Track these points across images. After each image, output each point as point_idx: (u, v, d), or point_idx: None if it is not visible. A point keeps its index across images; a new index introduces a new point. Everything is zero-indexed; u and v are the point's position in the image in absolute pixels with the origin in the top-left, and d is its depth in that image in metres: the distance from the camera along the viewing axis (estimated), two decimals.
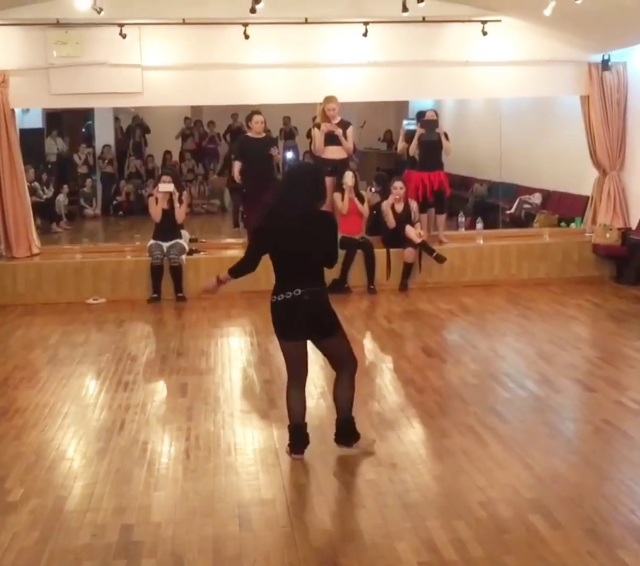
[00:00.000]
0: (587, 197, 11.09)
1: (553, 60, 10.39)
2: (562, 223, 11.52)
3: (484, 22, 10.08)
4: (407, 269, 9.96)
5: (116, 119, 17.05)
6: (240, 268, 5.06)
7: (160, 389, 6.69)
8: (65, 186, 15.37)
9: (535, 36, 10.32)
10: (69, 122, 16.94)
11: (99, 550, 4.03)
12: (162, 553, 3.99)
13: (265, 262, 4.97)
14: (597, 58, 10.35)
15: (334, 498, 4.55)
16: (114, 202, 16.21)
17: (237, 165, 10.19)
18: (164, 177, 10.06)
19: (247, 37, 9.73)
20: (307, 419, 5.17)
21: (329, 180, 10.17)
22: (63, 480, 4.85)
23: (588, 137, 10.64)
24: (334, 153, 10.14)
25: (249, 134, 10.31)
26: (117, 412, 5.99)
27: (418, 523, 4.22)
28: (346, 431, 5.12)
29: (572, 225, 11.27)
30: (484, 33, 10.09)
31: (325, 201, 4.83)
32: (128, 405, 6.13)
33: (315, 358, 7.29)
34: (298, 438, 5.07)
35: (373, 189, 12.26)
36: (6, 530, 4.23)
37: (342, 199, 9.98)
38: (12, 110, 10.04)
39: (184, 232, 10.09)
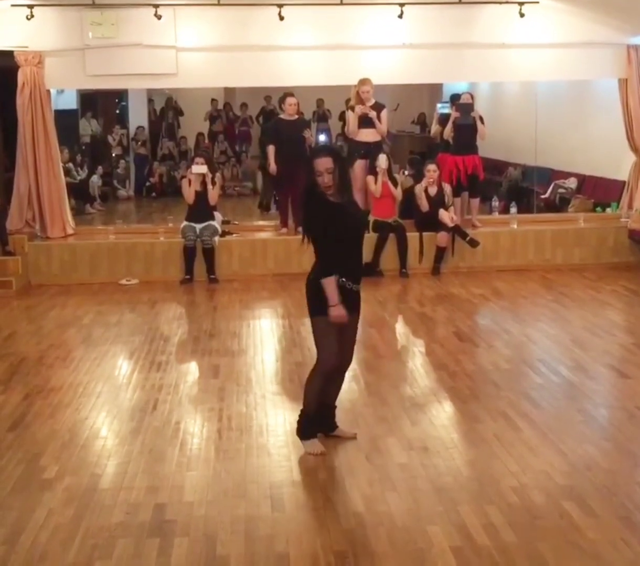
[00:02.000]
0: (624, 182, 10.94)
1: (591, 43, 10.22)
2: (598, 209, 11.38)
3: (521, 3, 9.92)
4: (440, 253, 9.90)
5: (150, 101, 17.07)
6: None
7: (192, 370, 6.73)
8: (99, 167, 15.42)
9: (573, 18, 10.16)
10: (103, 104, 17.00)
11: (133, 528, 4.08)
12: (195, 533, 4.02)
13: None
14: (636, 40, 10.17)
15: (365, 480, 4.55)
16: (147, 184, 16.24)
17: (271, 150, 10.15)
18: (197, 159, 10.06)
19: (281, 18, 9.67)
20: (338, 402, 5.18)
21: (362, 163, 10.16)
22: (97, 459, 4.90)
23: (625, 121, 10.49)
24: (367, 135, 10.09)
25: (282, 116, 10.28)
26: (150, 392, 6.03)
27: (450, 508, 4.21)
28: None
29: (608, 210, 11.13)
30: (521, 15, 9.93)
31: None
32: (161, 385, 6.17)
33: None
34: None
35: (406, 172, 12.20)
36: (42, 507, 4.29)
37: (375, 182, 9.93)
38: (48, 91, 10.08)
39: (217, 214, 10.10)
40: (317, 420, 4.99)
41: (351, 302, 4.81)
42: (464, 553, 3.80)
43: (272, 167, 10.17)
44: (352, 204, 4.87)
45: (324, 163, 4.63)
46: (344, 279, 4.76)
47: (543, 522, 4.07)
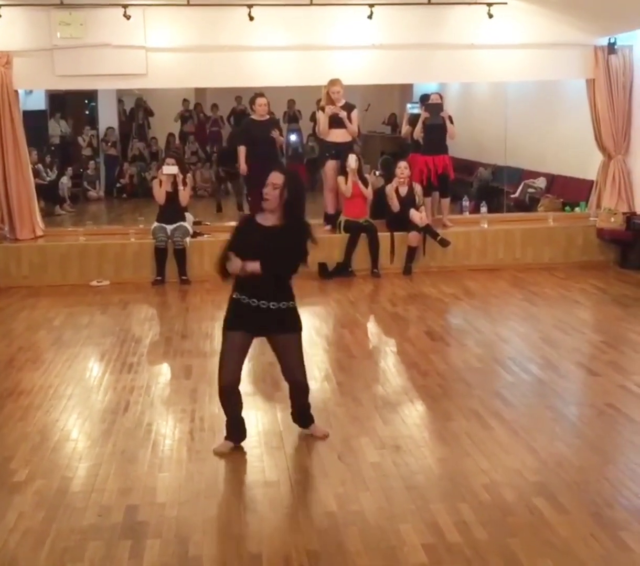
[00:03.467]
0: (592, 182, 11.05)
1: (559, 44, 10.31)
2: (567, 208, 11.48)
3: (489, 4, 9.98)
4: (411, 253, 9.94)
5: (120, 101, 16.97)
6: None
7: (164, 371, 6.71)
8: (69, 168, 15.33)
9: (541, 19, 10.24)
10: (73, 104, 16.87)
11: (105, 530, 4.05)
12: (167, 534, 4.01)
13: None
14: (603, 41, 10.26)
15: (337, 480, 4.56)
16: (118, 185, 16.17)
17: (242, 151, 10.15)
18: (168, 160, 10.02)
19: (251, 18, 9.67)
20: (311, 400, 5.20)
21: (333, 163, 10.19)
22: (68, 461, 4.87)
23: (593, 121, 10.59)
24: (338, 136, 10.12)
25: (253, 116, 10.28)
26: (122, 393, 6.00)
27: (422, 506, 4.23)
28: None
29: (577, 209, 11.23)
30: (490, 16, 10.00)
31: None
32: (132, 386, 6.14)
33: (319, 342, 7.35)
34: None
35: (377, 173, 12.23)
36: (12, 510, 4.25)
37: (346, 182, 9.95)
38: (16, 92, 9.99)
39: (188, 215, 10.07)
40: (229, 426, 5.04)
41: (250, 317, 4.79)
42: (436, 550, 3.82)
43: (243, 167, 10.16)
44: (287, 229, 4.76)
45: (274, 178, 4.71)
46: (237, 293, 4.81)
47: (514, 519, 4.10)
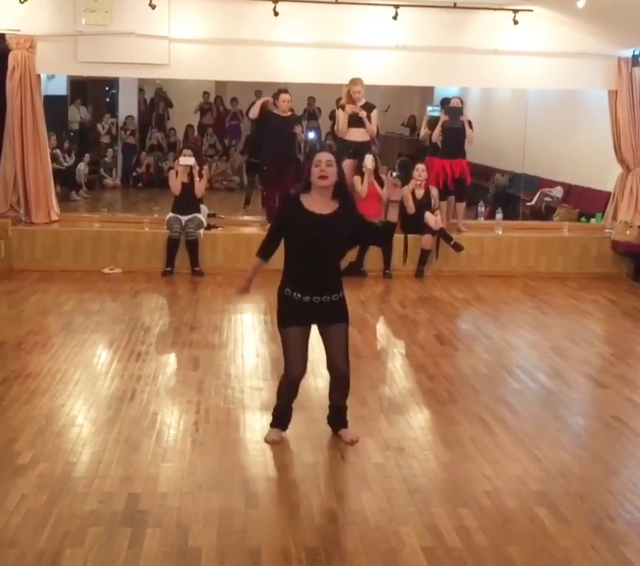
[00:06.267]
0: (609, 193, 11.02)
1: (583, 53, 10.28)
2: (582, 218, 11.45)
3: (515, 10, 9.97)
4: (424, 256, 9.93)
5: (140, 91, 16.98)
6: None
7: (172, 361, 6.71)
8: (87, 155, 15.35)
9: (566, 28, 10.20)
10: (94, 91, 16.90)
11: (105, 516, 4.06)
12: (168, 524, 4.01)
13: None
14: (628, 53, 10.23)
15: (340, 479, 4.57)
16: (134, 174, 16.19)
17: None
18: (185, 151, 10.03)
19: (276, 14, 9.66)
20: (320, 402, 5.21)
21: (350, 162, 10.17)
22: (72, 446, 4.87)
23: (613, 133, 10.55)
24: (356, 135, 10.11)
25: (275, 111, 10.27)
26: (129, 381, 6.01)
27: (423, 509, 4.23)
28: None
29: (593, 220, 11.20)
30: (515, 22, 9.98)
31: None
32: (139, 375, 6.15)
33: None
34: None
35: (394, 174, 12.19)
36: (15, 492, 4.26)
37: (362, 182, 9.94)
38: (38, 76, 10.02)
39: (203, 207, 10.08)
40: (279, 415, 5.07)
41: (302, 312, 4.77)
42: (435, 554, 3.81)
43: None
44: (343, 216, 4.70)
45: (325, 156, 4.68)
46: (288, 289, 4.77)
47: (515, 527, 4.09)
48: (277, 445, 4.96)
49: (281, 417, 5.09)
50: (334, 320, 4.84)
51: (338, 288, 4.82)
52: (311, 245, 4.68)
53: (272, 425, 5.09)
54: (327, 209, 4.70)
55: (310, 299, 4.73)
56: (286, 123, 10.04)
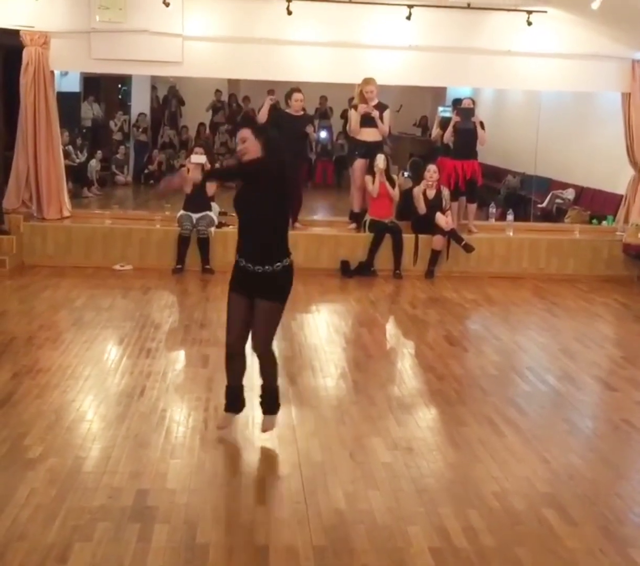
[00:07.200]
0: (621, 196, 11.00)
1: (596, 55, 10.26)
2: (594, 221, 11.43)
3: (529, 12, 9.95)
4: (435, 256, 9.92)
5: (153, 88, 17.01)
6: None
7: (181, 358, 6.72)
8: (99, 152, 15.36)
9: (581, 29, 10.19)
10: (106, 88, 16.91)
11: (114, 511, 4.07)
12: (176, 520, 4.02)
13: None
14: None
15: (348, 478, 4.56)
16: (146, 171, 16.20)
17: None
18: (197, 149, 10.04)
19: (290, 13, 9.67)
20: (328, 401, 5.20)
21: (361, 162, 10.18)
22: (82, 441, 4.89)
23: (626, 135, 10.54)
24: (368, 135, 10.11)
25: (288, 110, 10.28)
26: (138, 378, 6.03)
27: (431, 509, 4.23)
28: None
29: (604, 223, 11.18)
30: (529, 23, 9.96)
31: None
32: (149, 372, 6.16)
33: (337, 340, 7.36)
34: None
35: (405, 174, 12.21)
36: (24, 486, 4.28)
37: (373, 182, 9.94)
38: (52, 72, 10.06)
39: (214, 205, 10.10)
40: (227, 395, 5.10)
41: (241, 280, 4.83)
42: (443, 554, 3.81)
43: None
44: (266, 168, 4.74)
45: (240, 134, 4.79)
46: (237, 255, 4.85)
47: (522, 528, 4.09)
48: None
49: (231, 398, 5.07)
50: (264, 296, 4.80)
51: (274, 260, 4.78)
52: (239, 213, 4.86)
53: (226, 409, 5.08)
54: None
55: (245, 266, 4.79)
56: (298, 122, 10.04)
